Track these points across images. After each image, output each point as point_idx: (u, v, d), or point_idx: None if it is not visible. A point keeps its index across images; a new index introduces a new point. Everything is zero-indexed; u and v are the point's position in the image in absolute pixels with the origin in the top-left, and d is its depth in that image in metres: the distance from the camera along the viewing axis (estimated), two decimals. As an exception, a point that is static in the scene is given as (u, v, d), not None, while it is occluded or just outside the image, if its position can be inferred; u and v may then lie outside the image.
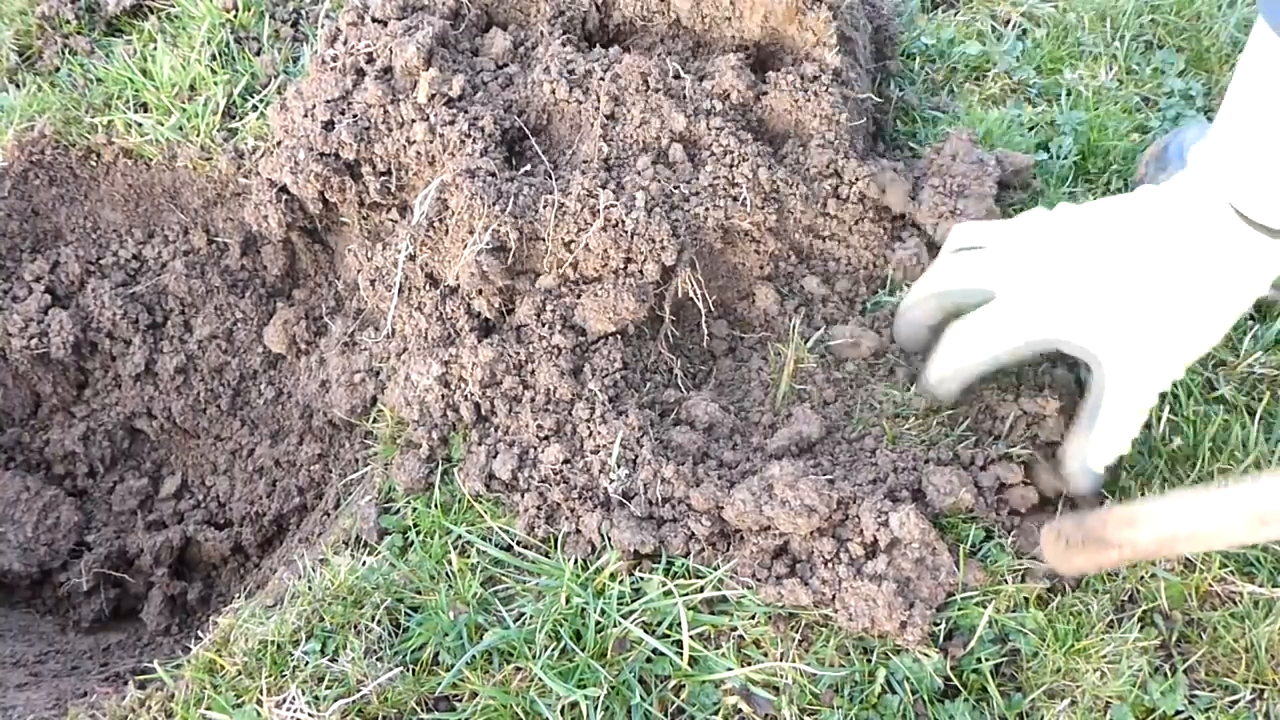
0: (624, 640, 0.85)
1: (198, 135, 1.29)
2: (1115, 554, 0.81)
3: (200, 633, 0.94)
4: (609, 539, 0.91)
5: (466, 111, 1.07)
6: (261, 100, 1.31)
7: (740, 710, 0.83)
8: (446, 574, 0.91)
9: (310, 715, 0.81)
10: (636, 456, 0.95)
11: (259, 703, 0.83)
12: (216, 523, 1.33)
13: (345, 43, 1.13)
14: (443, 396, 1.02)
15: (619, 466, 0.94)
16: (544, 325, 1.03)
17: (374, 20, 1.14)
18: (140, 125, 1.30)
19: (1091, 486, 0.91)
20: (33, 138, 1.31)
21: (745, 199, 1.06)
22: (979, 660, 0.85)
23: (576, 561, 0.91)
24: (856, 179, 1.11)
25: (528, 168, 1.08)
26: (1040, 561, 0.89)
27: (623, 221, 1.01)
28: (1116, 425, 0.87)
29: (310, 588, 0.91)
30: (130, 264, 1.34)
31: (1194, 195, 0.79)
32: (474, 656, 0.85)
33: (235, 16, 1.39)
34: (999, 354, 0.90)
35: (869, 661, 0.85)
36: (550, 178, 1.06)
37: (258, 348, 1.35)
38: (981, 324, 0.90)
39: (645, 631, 0.86)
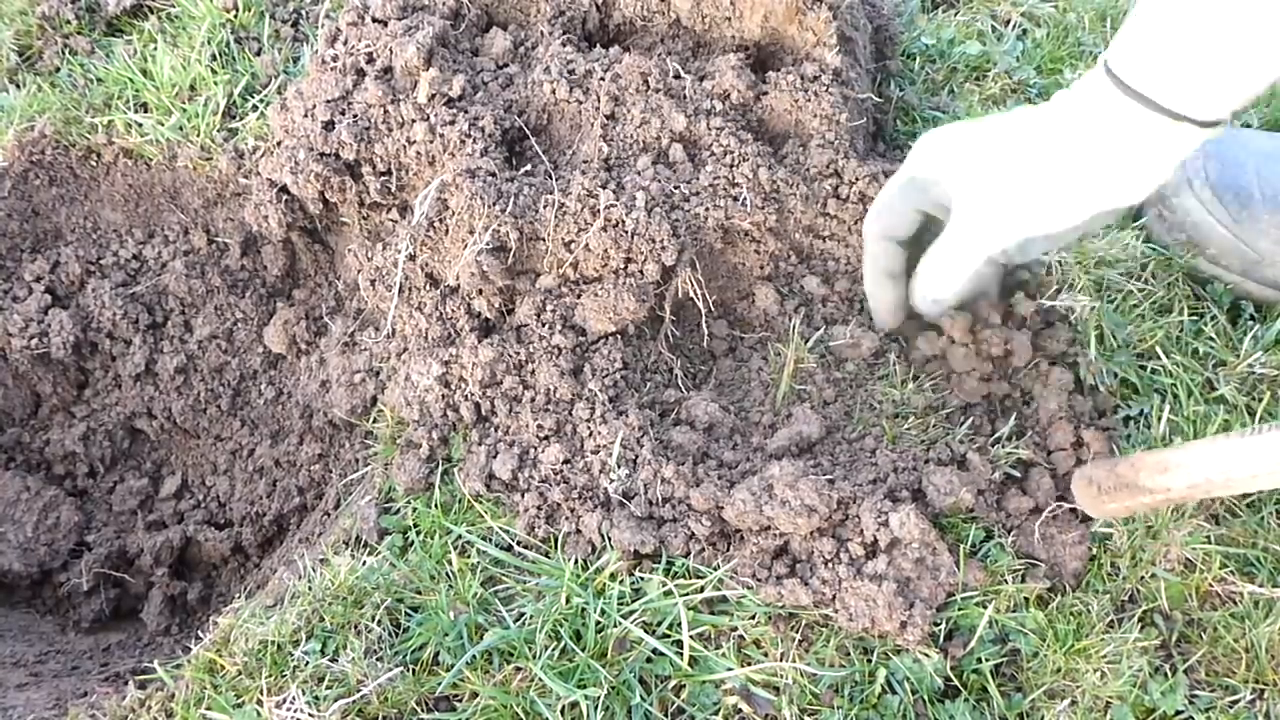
0: (624, 640, 0.85)
1: (198, 135, 1.29)
2: (1148, 499, 0.82)
3: (200, 633, 0.94)
4: (609, 539, 0.91)
5: (466, 111, 1.08)
6: (261, 100, 1.31)
7: (740, 710, 0.83)
8: (446, 574, 0.91)
9: (310, 715, 0.81)
10: (636, 456, 0.95)
11: (259, 703, 0.83)
12: (216, 523, 1.33)
13: (345, 43, 1.13)
14: (443, 396, 1.02)
15: (619, 466, 0.94)
16: (544, 325, 1.03)
17: (374, 20, 1.14)
18: (140, 125, 1.31)
19: (926, 311, 0.96)
20: (33, 138, 1.31)
21: (745, 199, 1.06)
22: (979, 660, 0.85)
23: (576, 561, 0.91)
24: (856, 179, 1.11)
25: (528, 168, 1.08)
26: (1075, 505, 0.91)
27: (623, 221, 1.01)
28: (943, 263, 0.88)
29: (310, 588, 0.91)
30: (130, 264, 1.34)
31: (1088, 74, 0.78)
32: (474, 656, 0.85)
33: (235, 16, 1.39)
34: (883, 203, 0.91)
35: (869, 661, 0.85)
36: (550, 178, 1.06)
37: (258, 348, 1.35)
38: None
39: (645, 631, 0.86)
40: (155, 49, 1.36)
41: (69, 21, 1.44)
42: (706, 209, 1.05)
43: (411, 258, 1.06)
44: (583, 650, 0.84)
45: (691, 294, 1.06)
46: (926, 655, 0.84)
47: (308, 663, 0.85)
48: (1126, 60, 0.73)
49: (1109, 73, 0.74)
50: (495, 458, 0.97)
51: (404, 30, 1.11)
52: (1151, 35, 0.71)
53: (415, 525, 0.97)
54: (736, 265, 1.12)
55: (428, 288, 1.08)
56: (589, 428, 0.97)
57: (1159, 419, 0.99)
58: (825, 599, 0.87)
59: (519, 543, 0.94)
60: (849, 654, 0.85)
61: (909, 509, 0.88)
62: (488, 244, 1.00)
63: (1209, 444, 0.78)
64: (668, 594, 0.87)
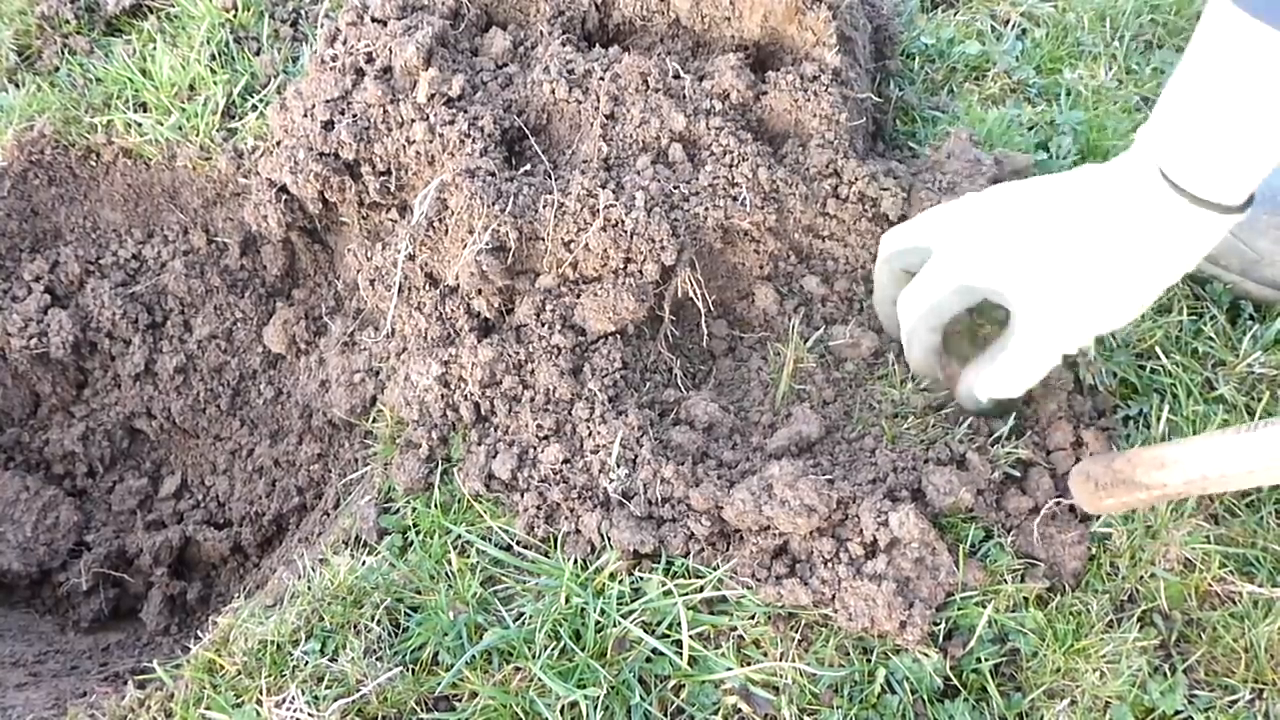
0: (624, 640, 0.85)
1: (197, 135, 1.29)
2: (1144, 495, 0.82)
3: (200, 633, 0.94)
4: (609, 539, 0.91)
5: (466, 111, 1.07)
6: (261, 100, 1.31)
7: (740, 710, 0.83)
8: (446, 574, 0.91)
9: (310, 715, 0.81)
10: (636, 456, 0.95)
11: (259, 703, 0.83)
12: (216, 523, 1.33)
13: (345, 42, 1.13)
14: (442, 396, 1.02)
15: (619, 466, 0.94)
16: (544, 325, 1.03)
17: (374, 20, 1.14)
18: (140, 125, 1.30)
19: (972, 409, 0.97)
20: (32, 138, 1.31)
21: (745, 199, 1.06)
22: (979, 660, 0.85)
23: (576, 561, 0.91)
24: (856, 179, 1.11)
25: (527, 168, 1.08)
26: (1071, 500, 0.91)
27: (622, 221, 1.01)
28: (1014, 372, 0.89)
29: (310, 588, 0.91)
30: (130, 264, 1.34)
31: (1130, 164, 0.79)
32: (474, 656, 0.85)
33: (235, 16, 1.39)
34: (933, 303, 0.90)
35: (869, 661, 0.85)
36: (550, 178, 1.06)
37: (257, 348, 1.35)
38: (918, 277, 0.92)
39: (645, 631, 0.86)
40: (154, 49, 1.36)
41: (68, 21, 1.44)
42: (706, 209, 1.05)
43: (411, 258, 1.06)
44: (582, 650, 0.84)
45: (691, 294, 1.06)
46: (926, 655, 0.84)
47: (307, 662, 0.85)
48: (1176, 160, 0.75)
49: (1164, 177, 0.75)
50: (495, 458, 0.97)
51: (403, 30, 1.11)
52: (1194, 136, 0.73)
53: (415, 525, 0.97)
54: (736, 265, 1.12)
55: (427, 288, 1.08)
56: (589, 428, 0.97)
57: (1158, 419, 0.99)
58: (825, 599, 0.87)
59: (518, 542, 0.94)
60: (848, 654, 0.85)
61: (908, 509, 0.87)
62: (487, 244, 1.00)
63: (1206, 440, 0.78)
64: (667, 594, 0.87)
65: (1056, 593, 0.89)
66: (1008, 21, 1.50)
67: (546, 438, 0.98)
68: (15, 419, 1.36)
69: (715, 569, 0.89)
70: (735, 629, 0.86)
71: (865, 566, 0.88)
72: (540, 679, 0.82)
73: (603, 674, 0.83)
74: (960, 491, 0.90)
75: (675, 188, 1.06)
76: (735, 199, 1.06)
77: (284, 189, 1.15)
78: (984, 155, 1.17)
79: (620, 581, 0.89)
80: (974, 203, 0.89)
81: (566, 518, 0.94)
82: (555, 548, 0.93)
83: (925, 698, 0.83)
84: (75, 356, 1.32)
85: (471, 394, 1.01)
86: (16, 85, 1.40)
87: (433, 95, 1.07)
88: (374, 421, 1.12)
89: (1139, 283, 0.80)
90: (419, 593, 0.91)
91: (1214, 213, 0.75)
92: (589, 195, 1.02)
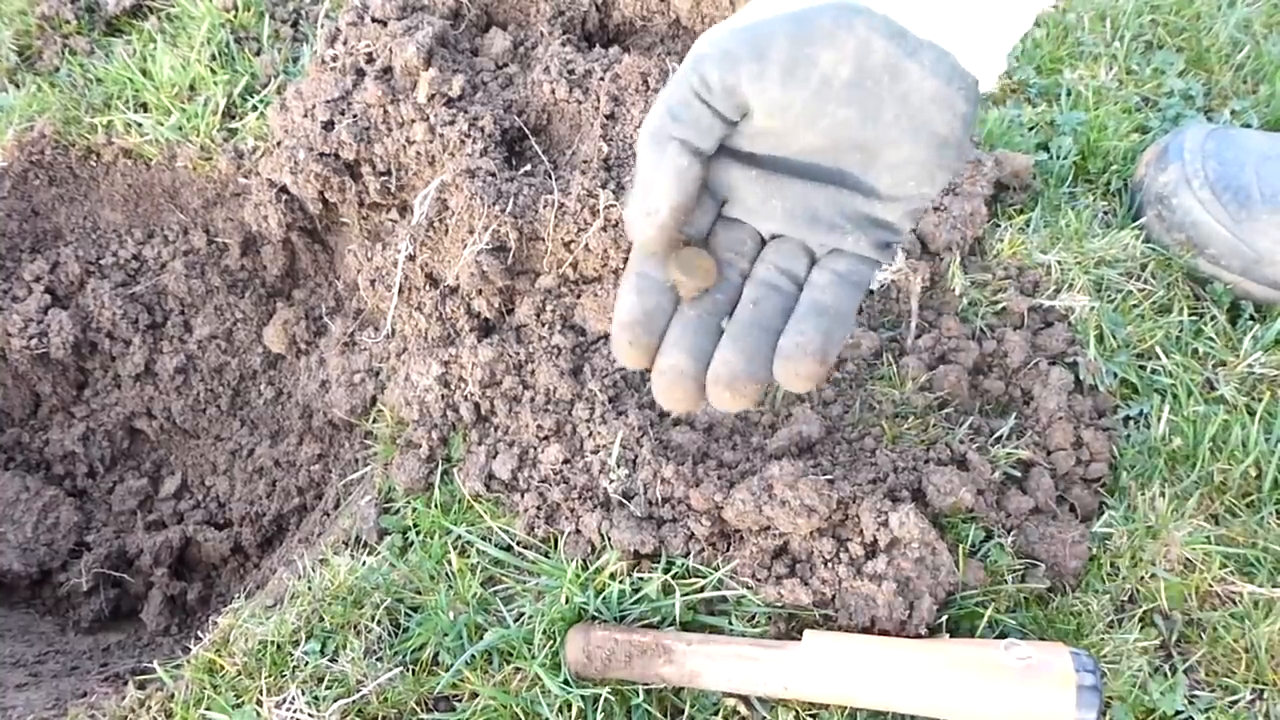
0: (624, 640, 0.85)
1: (197, 135, 1.29)
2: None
3: (200, 633, 0.94)
4: (609, 539, 0.91)
5: (466, 111, 1.07)
6: (261, 100, 1.31)
7: (740, 712, 0.83)
8: (446, 574, 0.91)
9: (310, 715, 0.81)
10: (636, 456, 0.95)
11: (259, 703, 0.83)
12: (216, 523, 1.33)
13: (345, 43, 1.13)
14: (442, 396, 1.02)
15: (619, 466, 0.94)
16: (544, 325, 1.03)
17: (374, 20, 1.14)
18: (140, 125, 1.30)
19: None
20: (32, 138, 1.31)
21: (745, 199, 1.06)
22: (979, 660, 0.85)
23: (576, 561, 0.91)
24: (856, 179, 1.10)
25: (527, 168, 1.08)
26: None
27: (622, 221, 1.01)
28: None
29: (310, 588, 0.91)
30: (130, 264, 1.34)
31: None
32: (474, 656, 0.85)
33: (235, 16, 1.39)
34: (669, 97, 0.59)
35: (869, 661, 0.85)
36: (550, 178, 1.06)
37: (257, 348, 1.35)
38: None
39: (645, 631, 0.85)
40: (155, 49, 1.36)
41: (68, 21, 1.44)
42: (706, 209, 1.05)
43: (411, 258, 1.06)
44: (582, 650, 0.84)
45: (691, 294, 1.06)
46: (926, 655, 0.84)
47: (307, 663, 0.85)
48: None
49: None
50: (495, 458, 0.97)
51: (404, 30, 1.11)
52: None
53: (415, 525, 0.97)
54: (736, 265, 1.11)
55: (427, 288, 1.08)
56: (589, 428, 0.97)
57: (1159, 419, 0.99)
58: (825, 599, 0.87)
59: (519, 543, 0.94)
60: (849, 654, 0.85)
61: (909, 509, 0.87)
62: (487, 244, 1.00)
63: None
64: (668, 594, 0.87)
65: (1057, 593, 0.89)
66: (1008, 21, 1.50)
67: (546, 438, 0.98)
68: (15, 419, 1.36)
69: (715, 569, 0.89)
70: (735, 629, 0.86)
71: (866, 566, 0.87)
72: (540, 679, 0.82)
73: (603, 674, 0.83)
74: (960, 491, 0.90)
75: (675, 188, 1.06)
76: (735, 199, 1.06)
77: (284, 189, 1.15)
78: (984, 155, 1.17)
79: (620, 581, 0.89)
80: None
81: (567, 518, 0.94)
82: (555, 548, 0.93)
83: (925, 698, 0.83)
84: (75, 357, 1.32)
85: (471, 394, 1.01)
86: (16, 85, 1.40)
87: (433, 95, 1.07)
88: (374, 422, 1.12)
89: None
90: (419, 593, 0.91)
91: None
92: (589, 195, 1.02)
